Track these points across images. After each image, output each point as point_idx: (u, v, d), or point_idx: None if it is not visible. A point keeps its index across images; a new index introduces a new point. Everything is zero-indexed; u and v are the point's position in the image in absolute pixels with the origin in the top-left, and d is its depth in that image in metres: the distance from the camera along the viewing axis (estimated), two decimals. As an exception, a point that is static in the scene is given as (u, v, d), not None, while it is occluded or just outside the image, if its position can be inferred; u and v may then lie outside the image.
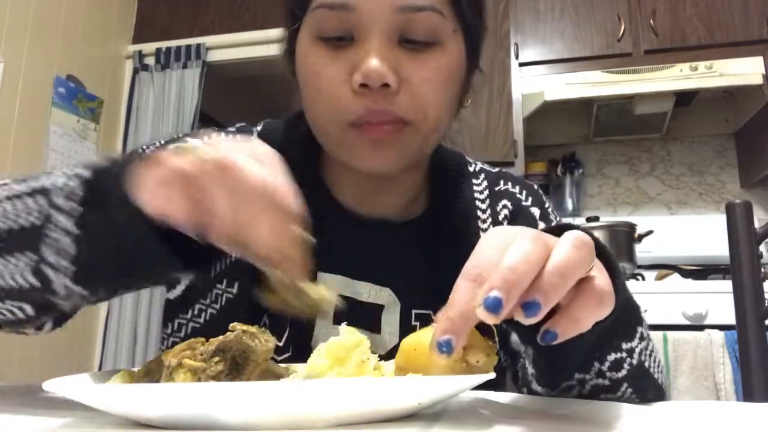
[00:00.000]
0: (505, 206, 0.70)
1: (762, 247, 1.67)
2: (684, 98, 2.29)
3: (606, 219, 2.21)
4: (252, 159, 0.36)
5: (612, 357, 0.46)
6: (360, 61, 0.53)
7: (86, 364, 2.46)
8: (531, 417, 0.39)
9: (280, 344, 0.59)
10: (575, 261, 0.33)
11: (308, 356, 0.38)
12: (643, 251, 2.16)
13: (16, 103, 2.24)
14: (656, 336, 1.67)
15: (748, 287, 0.87)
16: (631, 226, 2.12)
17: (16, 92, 2.24)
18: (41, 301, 0.42)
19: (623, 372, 0.46)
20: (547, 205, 0.73)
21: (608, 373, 0.46)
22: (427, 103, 0.55)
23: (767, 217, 2.36)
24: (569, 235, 0.35)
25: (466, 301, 0.33)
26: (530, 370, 0.54)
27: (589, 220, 2.16)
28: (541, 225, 0.69)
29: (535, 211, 0.71)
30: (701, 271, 2.02)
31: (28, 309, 0.43)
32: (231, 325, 0.34)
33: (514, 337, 0.66)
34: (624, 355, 0.46)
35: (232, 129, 0.70)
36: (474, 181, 0.72)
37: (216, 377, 0.33)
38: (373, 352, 0.62)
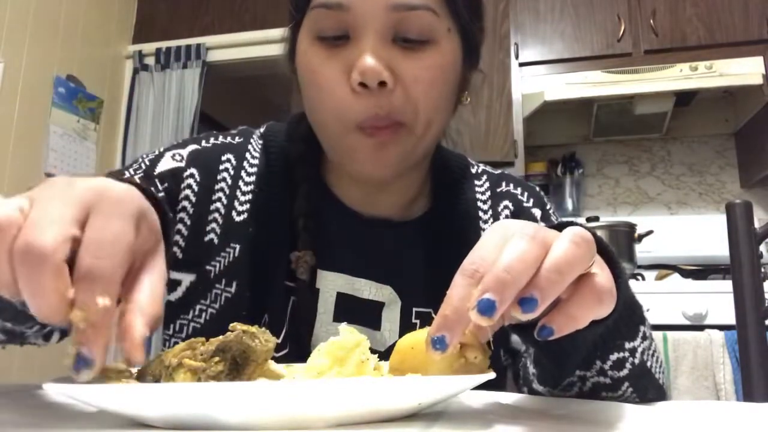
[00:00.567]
0: (506, 207, 0.71)
1: (762, 247, 1.67)
2: (684, 98, 2.29)
3: (606, 219, 2.20)
4: (79, 208, 0.31)
5: (614, 356, 0.46)
6: (356, 60, 0.54)
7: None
8: (531, 417, 0.39)
9: (279, 341, 0.59)
10: (574, 257, 0.33)
11: (307, 354, 0.38)
12: (643, 251, 2.16)
13: (16, 103, 2.24)
14: (656, 336, 1.65)
15: (748, 287, 0.87)
16: (631, 226, 2.12)
17: (16, 92, 2.24)
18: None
19: (625, 371, 0.47)
20: (548, 207, 0.73)
21: (610, 372, 0.46)
22: (419, 102, 0.56)
23: (767, 217, 2.36)
24: (568, 231, 0.34)
25: (461, 298, 0.33)
26: (531, 369, 0.54)
27: (589, 220, 2.16)
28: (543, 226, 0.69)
29: (537, 212, 0.71)
30: (701, 271, 2.02)
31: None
32: (231, 325, 0.34)
33: (515, 337, 0.66)
34: (626, 354, 0.46)
35: (233, 132, 0.71)
36: (476, 182, 0.72)
37: (216, 377, 0.33)
38: (373, 351, 0.62)
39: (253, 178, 0.66)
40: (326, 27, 0.56)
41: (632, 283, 1.97)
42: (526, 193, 0.73)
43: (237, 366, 0.34)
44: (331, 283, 0.63)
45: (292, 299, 0.62)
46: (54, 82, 2.40)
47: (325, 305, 0.63)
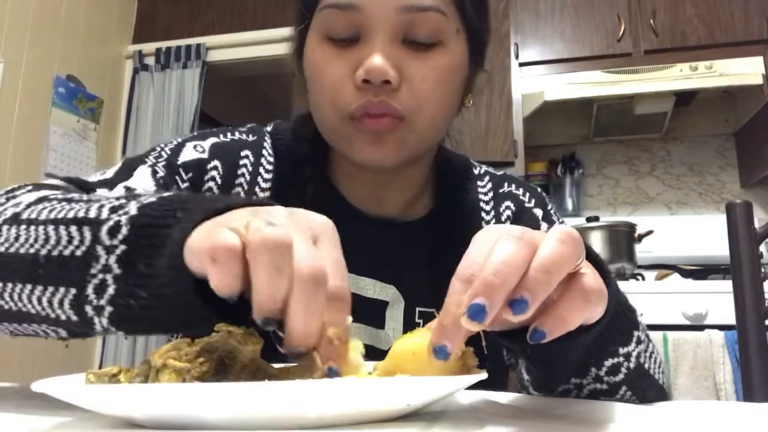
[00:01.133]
0: (508, 207, 0.72)
1: (762, 247, 1.67)
2: (684, 98, 2.29)
3: (606, 219, 2.20)
4: (309, 235, 0.35)
5: (609, 362, 0.46)
6: (364, 59, 0.54)
7: (86, 364, 2.45)
8: (531, 417, 0.39)
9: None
10: (561, 256, 0.33)
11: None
12: (643, 251, 2.16)
13: (16, 103, 2.24)
14: (656, 336, 1.67)
15: (748, 287, 0.87)
16: (631, 226, 2.12)
17: (16, 92, 2.24)
18: (80, 331, 0.40)
19: (621, 376, 0.46)
20: (549, 207, 0.74)
21: (606, 378, 0.46)
22: (424, 100, 0.57)
23: (767, 217, 2.36)
24: (555, 230, 0.34)
25: (457, 305, 0.33)
26: (525, 376, 0.54)
27: (589, 220, 2.16)
28: (544, 226, 0.71)
29: (538, 212, 0.72)
30: (701, 271, 2.02)
31: (63, 333, 0.41)
32: (217, 325, 0.34)
33: None
34: (621, 359, 0.46)
35: (243, 129, 0.71)
36: (479, 182, 0.73)
37: (201, 378, 0.32)
38: (376, 349, 0.62)
39: (270, 176, 0.66)
40: (336, 27, 0.56)
41: (632, 283, 1.98)
42: (528, 194, 0.74)
43: (225, 366, 0.34)
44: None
45: None
46: (54, 82, 2.40)
47: None
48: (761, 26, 2.15)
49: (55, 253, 0.38)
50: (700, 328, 1.70)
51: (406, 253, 0.67)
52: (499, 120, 2.30)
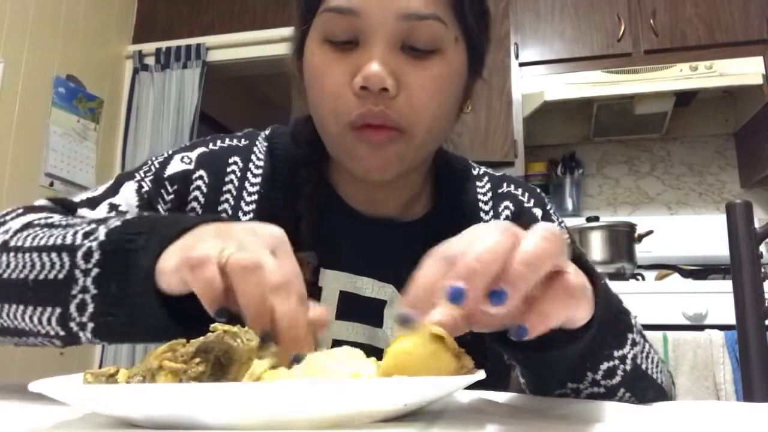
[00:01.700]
0: (507, 207, 0.72)
1: (762, 247, 1.67)
2: (684, 98, 2.29)
3: (606, 219, 2.20)
4: (269, 249, 0.41)
5: (604, 366, 0.46)
6: (362, 65, 0.55)
7: (86, 365, 2.45)
8: (531, 417, 0.39)
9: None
10: (543, 251, 0.34)
11: None
12: (643, 251, 2.16)
13: (16, 103, 2.24)
14: (656, 336, 1.67)
15: (748, 287, 0.87)
16: (631, 226, 2.12)
17: (16, 92, 2.24)
18: (69, 342, 0.46)
19: (617, 379, 0.46)
20: (549, 207, 0.74)
21: (602, 381, 0.46)
22: (422, 110, 0.57)
23: (767, 217, 2.36)
24: (539, 227, 0.35)
25: (428, 278, 0.35)
26: (521, 379, 0.54)
27: (589, 220, 2.16)
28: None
29: (538, 212, 0.72)
30: (701, 271, 2.02)
31: (58, 343, 0.47)
32: (212, 325, 0.34)
33: None
34: (616, 362, 0.46)
35: (238, 134, 0.72)
36: (477, 183, 0.73)
37: (197, 378, 0.32)
38: (375, 348, 0.62)
39: (258, 180, 0.66)
40: (336, 31, 0.56)
41: (632, 283, 1.97)
42: (527, 194, 0.74)
43: (222, 366, 0.34)
44: (334, 282, 0.64)
45: None
46: (54, 82, 2.40)
47: (328, 303, 0.63)
48: (761, 26, 2.15)
49: (41, 277, 0.44)
50: (700, 328, 1.70)
51: (405, 252, 0.66)
52: (499, 120, 2.30)
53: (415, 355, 0.35)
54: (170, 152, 0.69)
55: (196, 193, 0.65)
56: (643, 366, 0.49)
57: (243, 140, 0.70)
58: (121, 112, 2.77)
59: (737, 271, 0.88)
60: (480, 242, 0.34)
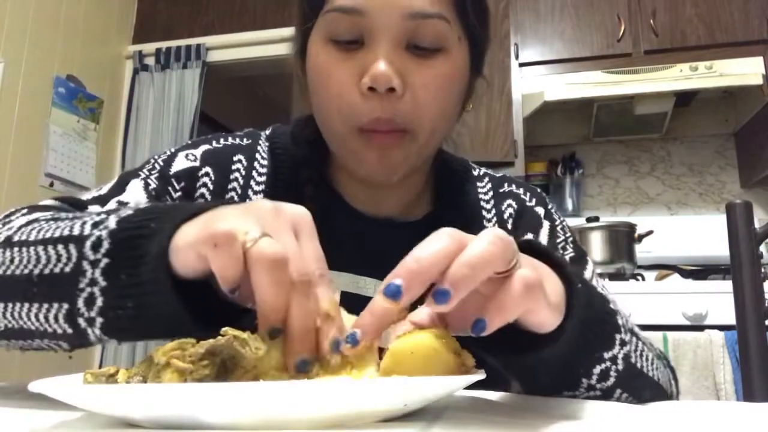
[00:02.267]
0: (509, 206, 0.72)
1: (762, 247, 1.67)
2: (684, 98, 2.29)
3: (606, 219, 2.20)
4: (291, 231, 0.39)
5: (597, 369, 0.46)
6: (369, 65, 0.55)
7: (86, 365, 2.45)
8: (530, 417, 0.39)
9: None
10: (488, 254, 0.35)
11: None
12: (643, 251, 2.16)
13: (16, 103, 2.24)
14: (656, 336, 1.67)
15: (748, 287, 0.87)
16: (631, 226, 2.12)
17: (16, 92, 2.24)
18: (77, 343, 0.43)
19: (611, 380, 0.46)
20: (550, 207, 0.74)
21: (598, 385, 0.46)
22: (427, 108, 0.57)
23: (767, 217, 2.36)
24: (487, 232, 0.36)
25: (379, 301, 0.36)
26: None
27: (589, 220, 2.16)
28: (546, 224, 0.71)
29: (540, 211, 0.73)
30: (701, 271, 2.02)
31: (65, 345, 0.44)
32: (223, 329, 0.34)
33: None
34: (608, 364, 0.46)
35: (239, 134, 0.72)
36: (478, 183, 0.74)
37: (201, 380, 0.32)
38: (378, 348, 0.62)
39: (263, 179, 0.67)
40: (341, 30, 0.57)
41: (632, 283, 1.97)
42: (528, 194, 0.74)
43: (226, 370, 0.34)
44: (336, 282, 0.64)
45: None
46: (54, 82, 2.40)
47: None
48: (761, 26, 2.15)
49: (46, 271, 0.41)
50: (700, 328, 1.70)
51: (406, 253, 0.67)
52: (499, 120, 2.30)
53: (415, 355, 0.35)
54: (173, 150, 0.69)
55: (203, 190, 0.65)
56: (638, 365, 0.49)
57: (245, 139, 0.71)
58: (121, 112, 2.77)
59: (737, 271, 0.88)
60: (423, 245, 0.36)
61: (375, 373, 0.36)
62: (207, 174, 0.66)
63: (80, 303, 0.40)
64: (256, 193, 0.66)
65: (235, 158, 0.68)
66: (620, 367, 0.47)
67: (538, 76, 2.31)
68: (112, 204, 0.61)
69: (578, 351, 0.44)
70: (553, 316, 0.39)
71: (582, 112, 2.47)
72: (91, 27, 2.62)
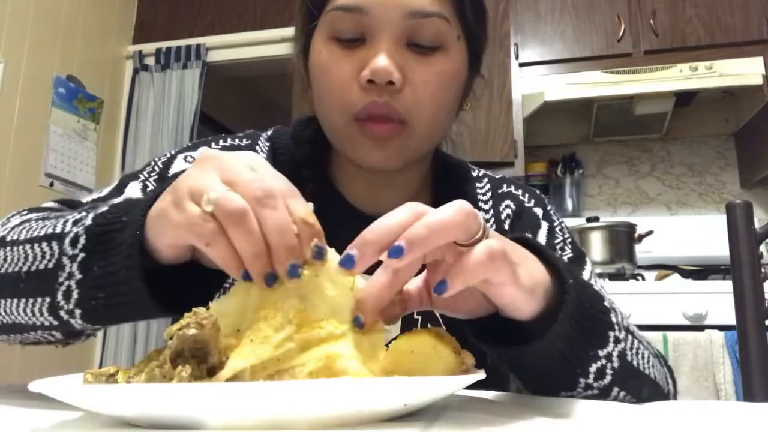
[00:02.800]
0: (507, 206, 0.73)
1: (762, 247, 1.67)
2: (684, 98, 2.29)
3: (606, 219, 2.20)
4: (247, 166, 0.39)
5: (594, 367, 0.46)
6: (369, 60, 0.57)
7: (86, 365, 2.45)
8: (531, 417, 0.39)
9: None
10: (448, 220, 0.37)
11: None
12: (643, 251, 2.16)
13: (16, 103, 2.24)
14: (656, 336, 1.67)
15: (748, 287, 0.87)
16: (631, 227, 2.12)
17: (16, 92, 2.24)
18: (66, 331, 0.46)
19: (608, 377, 0.47)
20: (548, 208, 0.75)
21: (595, 384, 0.46)
22: (425, 104, 0.59)
23: (767, 217, 2.36)
24: (452, 203, 0.38)
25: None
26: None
27: (589, 220, 2.16)
28: (545, 225, 0.72)
29: (538, 211, 0.73)
30: (701, 271, 2.02)
31: (58, 335, 0.47)
32: (165, 332, 0.34)
33: None
34: (604, 361, 0.46)
35: (240, 135, 0.73)
36: (477, 184, 0.75)
37: (189, 380, 0.32)
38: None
39: None
40: (343, 28, 0.58)
41: (632, 283, 1.97)
42: (527, 195, 0.75)
43: (204, 356, 0.34)
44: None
45: None
46: (54, 82, 2.40)
47: None
48: (761, 26, 2.15)
49: (33, 268, 0.45)
50: (700, 328, 1.70)
51: None
52: (499, 120, 2.30)
53: (415, 354, 0.36)
54: (172, 152, 0.69)
55: None
56: (634, 362, 0.49)
57: (245, 140, 0.71)
58: (121, 113, 2.77)
59: (737, 271, 0.88)
60: (382, 218, 0.37)
61: (376, 371, 0.36)
62: None
63: (59, 296, 0.43)
64: None
65: None
66: (616, 364, 0.47)
67: (538, 76, 2.31)
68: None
69: (571, 346, 0.44)
70: (527, 300, 0.40)
71: (582, 112, 2.47)
72: (91, 27, 2.62)
